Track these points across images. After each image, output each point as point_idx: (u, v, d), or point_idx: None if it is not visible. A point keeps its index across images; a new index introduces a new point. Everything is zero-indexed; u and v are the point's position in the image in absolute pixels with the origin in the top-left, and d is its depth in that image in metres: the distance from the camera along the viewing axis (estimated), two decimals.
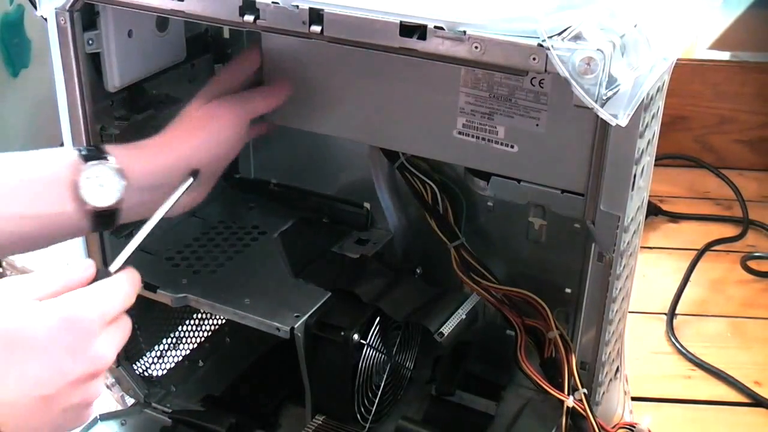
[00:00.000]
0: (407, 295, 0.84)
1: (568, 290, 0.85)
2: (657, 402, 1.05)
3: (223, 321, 1.00)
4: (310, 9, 0.62)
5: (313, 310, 0.80)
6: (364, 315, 0.81)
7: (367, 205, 0.93)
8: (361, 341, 0.80)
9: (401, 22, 0.60)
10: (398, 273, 0.87)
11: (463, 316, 0.81)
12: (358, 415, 0.84)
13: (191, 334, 0.98)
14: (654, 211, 1.40)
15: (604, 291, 0.74)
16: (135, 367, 0.91)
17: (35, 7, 0.73)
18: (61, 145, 0.78)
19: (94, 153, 0.69)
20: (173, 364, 0.95)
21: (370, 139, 0.85)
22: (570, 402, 0.75)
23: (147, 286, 0.82)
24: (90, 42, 0.74)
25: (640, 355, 1.10)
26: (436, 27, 0.59)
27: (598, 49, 0.54)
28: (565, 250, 0.83)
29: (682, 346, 1.13)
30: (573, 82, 0.55)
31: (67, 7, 0.70)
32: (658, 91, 0.71)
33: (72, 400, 0.58)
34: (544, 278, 0.86)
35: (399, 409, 0.89)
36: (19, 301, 0.57)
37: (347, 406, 0.82)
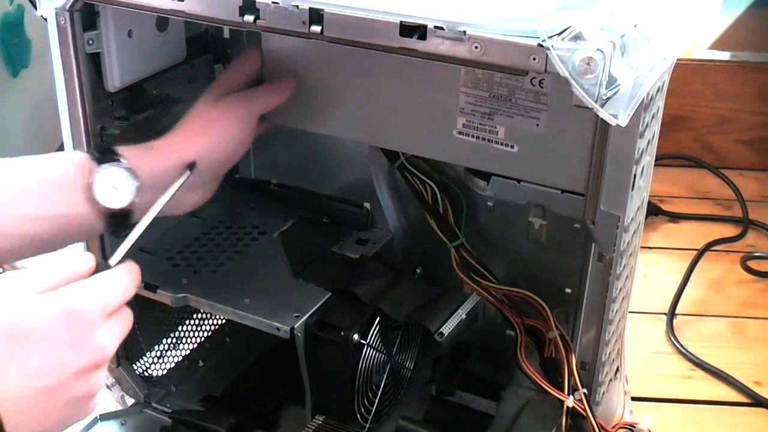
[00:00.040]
0: (407, 295, 0.84)
1: (568, 290, 0.85)
2: (657, 402, 1.05)
3: (223, 321, 1.00)
4: (310, 9, 0.62)
5: (313, 310, 0.80)
6: (364, 315, 0.81)
7: (367, 205, 0.93)
8: (361, 341, 0.80)
9: (401, 22, 0.60)
10: (398, 273, 0.87)
11: (463, 316, 0.81)
12: (358, 415, 0.84)
13: (191, 334, 0.98)
14: (654, 211, 1.40)
15: (604, 291, 0.74)
16: (135, 367, 0.91)
17: (35, 7, 0.73)
18: (61, 144, 0.78)
19: (106, 155, 0.70)
20: (173, 364, 0.95)
21: (370, 139, 0.85)
22: (570, 402, 0.75)
23: (147, 286, 0.82)
24: (90, 42, 0.74)
25: (640, 355, 1.10)
26: (436, 27, 0.59)
27: (598, 49, 0.54)
28: (565, 250, 0.83)
29: (682, 346, 1.13)
30: (573, 82, 0.55)
31: (67, 7, 0.70)
32: (658, 91, 0.71)
33: (75, 392, 0.58)
34: (544, 278, 0.86)
35: (399, 409, 0.89)
36: (20, 295, 0.57)
37: (347, 406, 0.82)
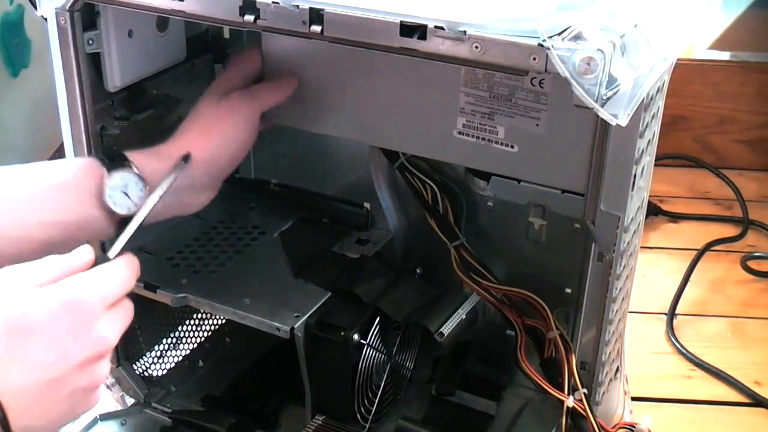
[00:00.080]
0: (407, 295, 0.84)
1: (568, 290, 0.85)
2: (657, 402, 1.05)
3: (223, 321, 1.00)
4: (310, 9, 0.62)
5: (313, 310, 0.80)
6: (364, 315, 0.81)
7: (367, 205, 0.93)
8: (361, 341, 0.80)
9: (401, 22, 0.60)
10: (398, 273, 0.87)
11: (463, 316, 0.81)
12: (358, 415, 0.84)
13: (191, 334, 0.98)
14: (654, 211, 1.40)
15: (604, 291, 0.74)
16: (135, 367, 0.91)
17: (35, 7, 0.73)
18: (61, 144, 0.78)
19: (115, 160, 0.70)
20: (173, 364, 0.95)
21: (370, 139, 0.85)
22: (570, 402, 0.75)
23: (147, 286, 0.82)
24: (90, 42, 0.74)
25: (640, 355, 1.10)
26: (436, 27, 0.59)
27: (598, 49, 0.54)
28: (565, 250, 0.83)
29: (682, 346, 1.13)
30: (573, 82, 0.55)
31: (67, 7, 0.70)
32: (658, 91, 0.71)
33: (78, 383, 0.58)
34: (544, 278, 0.86)
35: (399, 409, 0.89)
36: (20, 288, 0.57)
37: (347, 406, 0.82)
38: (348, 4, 0.61)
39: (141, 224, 0.70)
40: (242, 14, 0.64)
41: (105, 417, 0.88)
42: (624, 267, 0.75)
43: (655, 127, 0.74)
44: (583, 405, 0.75)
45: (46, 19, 0.72)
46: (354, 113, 0.82)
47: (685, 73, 1.49)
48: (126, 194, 0.69)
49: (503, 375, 0.91)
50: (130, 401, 0.91)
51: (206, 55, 0.90)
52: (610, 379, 0.83)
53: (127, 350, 0.90)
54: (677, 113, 1.53)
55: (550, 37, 0.56)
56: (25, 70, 1.34)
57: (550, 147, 0.74)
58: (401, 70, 0.77)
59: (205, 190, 0.77)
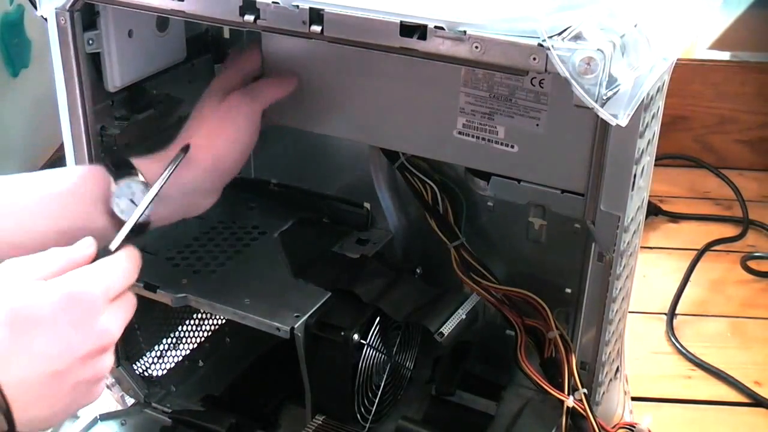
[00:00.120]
0: (407, 295, 0.84)
1: (568, 290, 0.85)
2: (657, 402, 1.05)
3: (223, 321, 1.00)
4: (310, 9, 0.62)
5: (313, 310, 0.80)
6: (364, 315, 0.81)
7: (367, 205, 0.93)
8: (361, 341, 0.80)
9: (401, 22, 0.60)
10: (398, 273, 0.87)
11: (463, 316, 0.81)
12: (358, 415, 0.84)
13: (191, 334, 0.98)
14: (654, 211, 1.40)
15: (604, 291, 0.74)
16: (135, 367, 0.91)
17: (35, 7, 0.73)
18: (61, 144, 0.78)
19: (122, 168, 0.71)
20: (173, 364, 0.95)
21: (370, 139, 0.85)
22: (570, 402, 0.75)
23: (147, 286, 0.82)
24: (90, 42, 0.74)
25: (640, 355, 1.10)
26: (436, 27, 0.59)
27: (598, 49, 0.54)
28: (565, 250, 0.83)
29: (682, 346, 1.13)
30: (573, 82, 0.55)
31: (67, 7, 0.70)
32: (658, 91, 0.71)
33: (82, 376, 0.59)
34: (544, 278, 0.86)
35: (399, 409, 0.89)
36: (23, 281, 0.58)
37: (347, 406, 0.82)
38: (348, 4, 0.61)
39: (148, 228, 0.70)
40: (242, 14, 0.64)
41: (105, 417, 0.88)
42: (624, 267, 0.75)
43: (655, 127, 0.74)
44: (583, 405, 0.75)
45: (46, 19, 0.72)
46: (354, 113, 0.82)
47: (685, 73, 1.49)
48: (132, 201, 0.70)
49: (503, 375, 0.91)
50: (130, 401, 0.91)
51: (206, 55, 0.90)
52: (610, 379, 0.83)
53: (127, 350, 0.90)
54: (677, 113, 1.53)
55: (550, 37, 0.56)
56: (25, 70, 1.33)
57: (550, 147, 0.74)
58: (401, 70, 0.77)
59: (211, 193, 0.78)
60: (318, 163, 0.95)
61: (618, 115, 0.56)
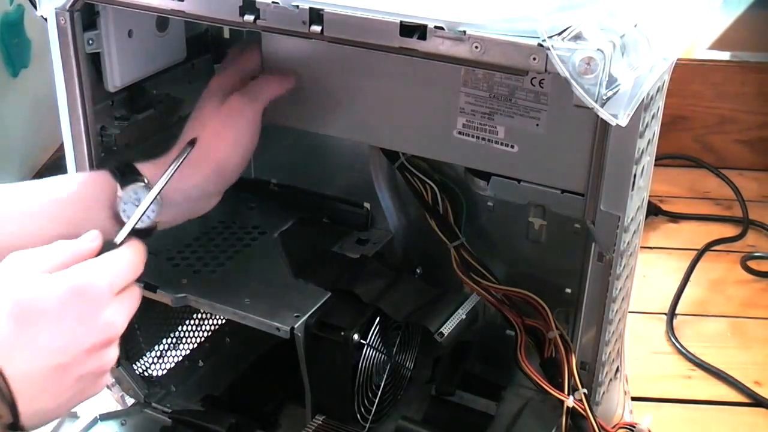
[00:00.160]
0: (407, 295, 0.84)
1: (568, 290, 0.85)
2: (657, 402, 1.05)
3: (223, 321, 1.00)
4: (310, 9, 0.62)
5: (313, 310, 0.80)
6: (364, 315, 0.81)
7: (367, 205, 0.93)
8: (361, 341, 0.80)
9: (401, 22, 0.60)
10: (398, 273, 0.87)
11: (463, 316, 0.81)
12: (358, 415, 0.84)
13: (191, 334, 0.98)
14: (654, 211, 1.40)
15: (604, 291, 0.74)
16: (135, 367, 0.91)
17: (35, 7, 0.73)
18: (61, 145, 0.78)
19: (127, 174, 0.71)
20: (173, 364, 0.95)
21: (370, 139, 0.85)
22: (570, 402, 0.75)
23: (147, 286, 0.82)
24: (90, 42, 0.74)
25: (640, 355, 1.10)
26: (436, 27, 0.59)
27: (598, 49, 0.54)
28: (565, 250, 0.83)
29: (682, 346, 1.13)
30: (573, 82, 0.55)
31: (67, 7, 0.70)
32: (658, 91, 0.71)
33: (87, 369, 0.59)
34: (544, 278, 0.86)
35: (399, 409, 0.89)
36: (28, 274, 0.58)
37: (347, 406, 0.82)
38: (348, 4, 0.61)
39: (153, 232, 0.71)
40: (242, 14, 0.64)
41: (105, 417, 0.88)
42: (624, 267, 0.75)
43: (655, 127, 0.74)
44: (583, 405, 0.75)
45: (46, 19, 0.72)
46: (354, 113, 0.82)
47: (685, 73, 1.49)
48: (138, 207, 0.70)
49: (503, 375, 0.91)
50: (130, 401, 0.91)
51: (206, 55, 0.90)
52: (610, 379, 0.83)
53: (127, 350, 0.90)
54: (677, 113, 1.53)
55: (550, 37, 0.56)
56: (25, 70, 1.34)
57: (550, 147, 0.74)
58: (401, 70, 0.77)
59: (214, 195, 0.79)
60: (318, 163, 0.95)
61: (618, 115, 0.56)
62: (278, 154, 0.95)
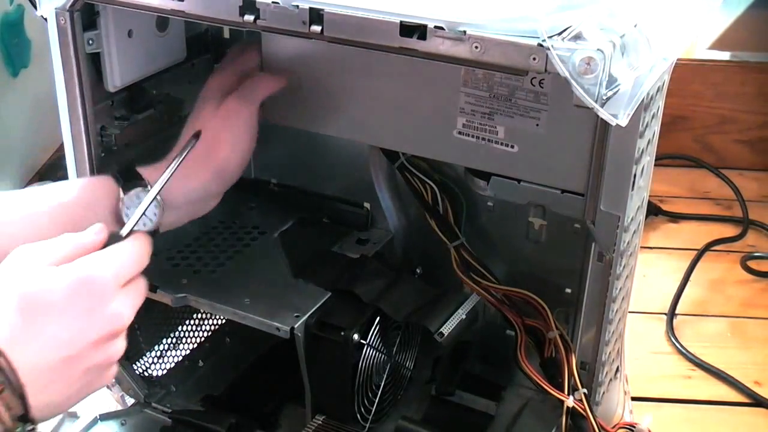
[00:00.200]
0: (407, 295, 0.84)
1: (568, 290, 0.85)
2: (657, 402, 1.05)
3: (223, 321, 1.00)
4: (310, 9, 0.62)
5: (313, 310, 0.80)
6: (364, 315, 0.81)
7: (367, 205, 0.93)
8: (361, 341, 0.80)
9: (401, 22, 0.60)
10: (398, 273, 0.87)
11: (463, 316, 0.81)
12: (358, 415, 0.84)
13: (191, 334, 0.98)
14: (654, 211, 1.40)
15: (604, 291, 0.74)
16: (135, 367, 0.91)
17: (35, 7, 0.73)
18: (62, 145, 0.78)
19: (130, 180, 0.72)
20: (173, 364, 0.95)
21: (370, 139, 0.85)
22: (570, 402, 0.75)
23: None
24: (90, 42, 0.74)
25: (640, 355, 1.10)
26: (436, 27, 0.59)
27: (598, 49, 0.54)
28: (565, 250, 0.83)
29: (682, 346, 1.13)
30: (573, 82, 0.55)
31: (67, 7, 0.70)
32: (658, 91, 0.71)
33: (94, 360, 0.59)
34: (544, 278, 0.86)
35: (399, 409, 0.89)
36: (33, 267, 0.58)
37: (347, 406, 0.82)
38: (348, 4, 0.61)
39: (156, 235, 0.71)
40: (242, 14, 0.64)
41: (105, 417, 0.88)
42: (624, 267, 0.75)
43: (655, 127, 0.74)
44: (583, 405, 0.75)
45: (46, 19, 0.72)
46: (354, 113, 0.82)
47: (685, 73, 1.49)
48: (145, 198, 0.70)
49: (503, 375, 0.91)
50: (130, 401, 0.91)
51: (206, 55, 0.90)
52: (610, 379, 0.83)
53: (127, 350, 0.89)
54: (677, 113, 1.53)
55: (550, 37, 0.56)
56: (25, 70, 1.33)
57: (550, 147, 0.74)
58: (401, 70, 0.77)
59: (215, 197, 0.79)
60: (318, 163, 0.95)
61: (618, 115, 0.56)
62: (278, 154, 0.95)
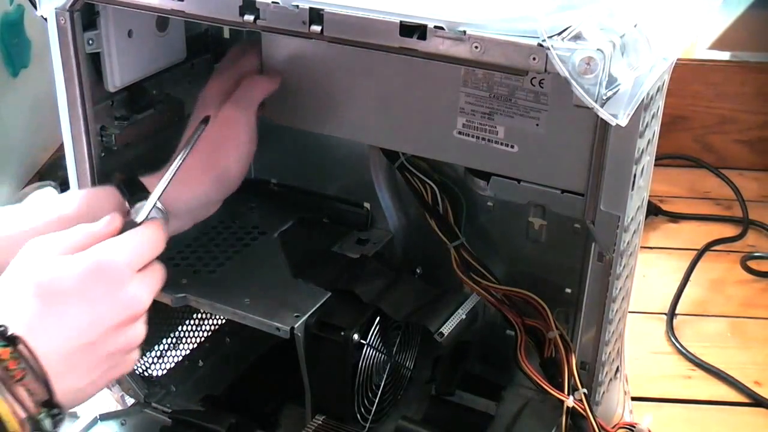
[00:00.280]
0: (407, 295, 0.84)
1: (568, 290, 0.85)
2: (657, 402, 1.05)
3: (223, 321, 1.00)
4: (310, 9, 0.62)
5: (313, 310, 0.80)
6: (364, 315, 0.81)
7: (367, 205, 0.93)
8: (361, 341, 0.80)
9: (401, 21, 0.60)
10: (398, 273, 0.87)
11: (463, 316, 0.81)
12: (358, 415, 0.84)
13: (191, 334, 0.98)
14: (654, 211, 1.40)
15: (604, 291, 0.74)
16: (135, 367, 0.91)
17: (35, 7, 0.73)
18: (61, 145, 0.78)
19: (136, 192, 0.72)
20: (173, 364, 0.95)
21: (370, 139, 0.85)
22: (570, 402, 0.75)
23: None
24: (90, 42, 0.74)
25: (640, 355, 1.10)
26: (436, 27, 0.59)
27: (598, 49, 0.54)
28: (565, 250, 0.83)
29: (682, 346, 1.13)
30: (573, 82, 0.55)
31: (67, 7, 0.70)
32: (658, 91, 0.71)
33: (115, 345, 0.60)
34: (544, 278, 0.86)
35: (399, 409, 0.89)
36: (48, 255, 0.59)
37: (347, 406, 0.82)
38: (348, 4, 0.61)
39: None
40: (242, 14, 0.64)
41: (105, 417, 0.88)
42: (624, 267, 0.75)
43: (655, 127, 0.74)
44: (583, 405, 0.75)
45: (46, 19, 0.72)
46: (354, 113, 0.82)
47: (685, 73, 1.49)
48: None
49: (503, 375, 0.91)
50: (130, 401, 0.91)
51: (206, 55, 0.90)
52: (610, 379, 0.83)
53: None
54: (677, 113, 1.53)
55: (550, 37, 0.56)
56: (25, 70, 1.33)
57: (550, 147, 0.74)
58: (401, 70, 0.77)
59: (216, 203, 0.80)
60: (318, 163, 0.95)
61: (618, 115, 0.56)
62: (278, 154, 0.95)
